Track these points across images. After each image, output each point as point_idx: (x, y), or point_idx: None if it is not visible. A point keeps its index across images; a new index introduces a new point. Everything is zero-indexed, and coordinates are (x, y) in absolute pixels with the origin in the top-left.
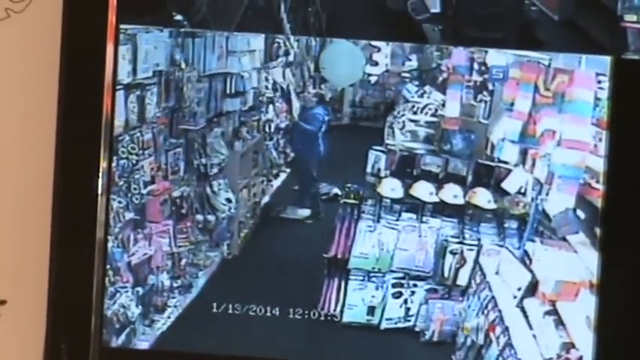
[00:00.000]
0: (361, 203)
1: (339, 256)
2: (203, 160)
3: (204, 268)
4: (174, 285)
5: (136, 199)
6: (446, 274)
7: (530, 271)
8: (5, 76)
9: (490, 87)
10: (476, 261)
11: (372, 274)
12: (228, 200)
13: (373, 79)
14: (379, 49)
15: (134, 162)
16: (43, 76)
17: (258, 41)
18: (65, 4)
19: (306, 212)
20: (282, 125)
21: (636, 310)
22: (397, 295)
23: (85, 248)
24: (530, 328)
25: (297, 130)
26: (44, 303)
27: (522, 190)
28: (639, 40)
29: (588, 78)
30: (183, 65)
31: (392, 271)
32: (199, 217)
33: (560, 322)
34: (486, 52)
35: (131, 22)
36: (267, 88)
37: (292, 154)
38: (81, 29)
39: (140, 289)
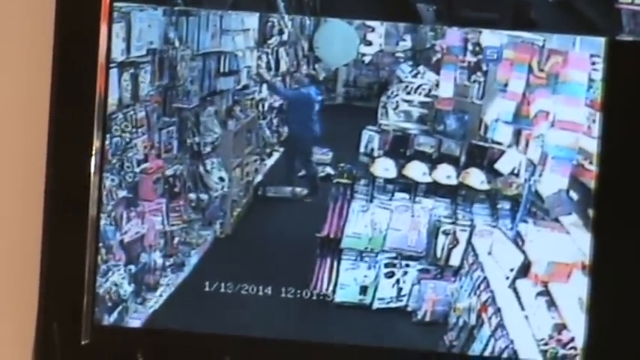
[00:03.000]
0: (354, 183)
1: (332, 235)
2: (196, 139)
3: (196, 247)
4: (167, 263)
5: (129, 177)
6: (438, 255)
7: (523, 252)
8: None
9: (484, 67)
10: (468, 241)
11: (364, 254)
12: (222, 179)
13: (367, 58)
14: (373, 29)
15: (127, 140)
16: (36, 54)
17: (252, 20)
18: None
19: (304, 191)
20: (276, 104)
21: (628, 292)
22: (389, 275)
23: (78, 226)
24: (523, 309)
25: (292, 109)
26: (36, 281)
27: (515, 171)
28: (634, 21)
29: (582, 59)
30: (177, 44)
31: (384, 251)
32: (192, 195)
33: (552, 304)
34: (480, 32)
35: (125, 0)
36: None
37: (287, 133)
38: (75, 7)
39: (132, 268)
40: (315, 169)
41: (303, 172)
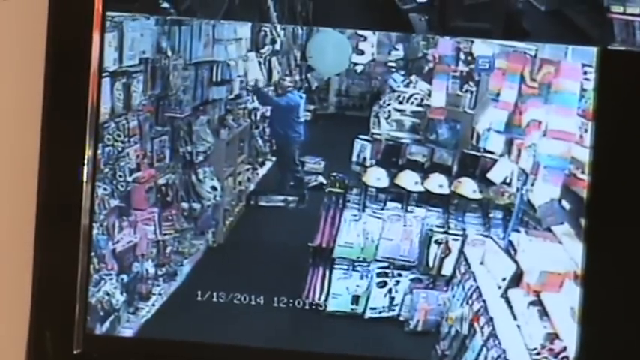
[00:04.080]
0: (346, 192)
1: (324, 244)
2: (189, 148)
3: (189, 256)
4: (159, 273)
5: (122, 186)
6: (430, 264)
7: (515, 261)
8: None
9: (476, 77)
10: (461, 251)
11: (356, 263)
12: (214, 188)
13: (359, 68)
14: (365, 39)
15: (120, 149)
16: (29, 63)
17: (244, 30)
18: None
19: (290, 198)
20: (269, 114)
21: (620, 301)
22: (382, 285)
23: (70, 235)
24: (515, 318)
25: (276, 116)
26: (28, 290)
27: (507, 181)
28: (625, 31)
29: (574, 69)
30: (169, 53)
31: (377, 261)
32: (184, 204)
33: (544, 313)
34: (472, 42)
35: (118, 10)
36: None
37: (274, 141)
38: (67, 16)
39: (125, 277)
40: (302, 173)
41: (292, 183)
